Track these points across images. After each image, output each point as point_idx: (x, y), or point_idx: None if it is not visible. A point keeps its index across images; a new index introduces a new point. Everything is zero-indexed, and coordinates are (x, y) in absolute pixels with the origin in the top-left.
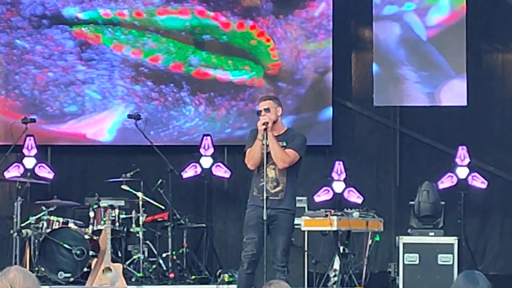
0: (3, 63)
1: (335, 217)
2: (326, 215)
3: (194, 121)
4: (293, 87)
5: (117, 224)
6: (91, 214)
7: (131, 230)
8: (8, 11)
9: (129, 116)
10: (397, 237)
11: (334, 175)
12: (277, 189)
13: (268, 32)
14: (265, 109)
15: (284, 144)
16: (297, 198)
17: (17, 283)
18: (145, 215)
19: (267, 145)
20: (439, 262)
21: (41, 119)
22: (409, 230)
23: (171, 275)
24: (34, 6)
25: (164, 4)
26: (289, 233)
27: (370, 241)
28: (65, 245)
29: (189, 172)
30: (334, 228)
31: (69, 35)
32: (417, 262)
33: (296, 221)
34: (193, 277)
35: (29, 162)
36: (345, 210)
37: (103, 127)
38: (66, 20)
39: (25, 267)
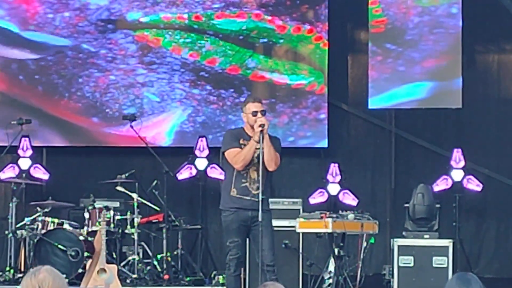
0: (68, 67)
1: (330, 219)
2: (321, 217)
3: None
4: None
5: (112, 225)
6: (86, 215)
7: (126, 231)
8: (76, 16)
9: (124, 117)
10: (392, 240)
11: (329, 177)
12: (259, 191)
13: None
14: (261, 111)
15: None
16: (293, 200)
17: (46, 284)
18: (140, 216)
19: (261, 148)
20: (434, 265)
21: (101, 121)
22: (404, 233)
23: (166, 277)
24: (100, 12)
25: (223, 8)
26: (272, 232)
27: (365, 244)
28: (60, 246)
29: (184, 173)
30: (329, 230)
31: (132, 39)
32: (411, 265)
33: (291, 223)
34: (187, 278)
35: (25, 163)
36: (340, 212)
37: (161, 130)
38: (130, 25)
39: (20, 268)
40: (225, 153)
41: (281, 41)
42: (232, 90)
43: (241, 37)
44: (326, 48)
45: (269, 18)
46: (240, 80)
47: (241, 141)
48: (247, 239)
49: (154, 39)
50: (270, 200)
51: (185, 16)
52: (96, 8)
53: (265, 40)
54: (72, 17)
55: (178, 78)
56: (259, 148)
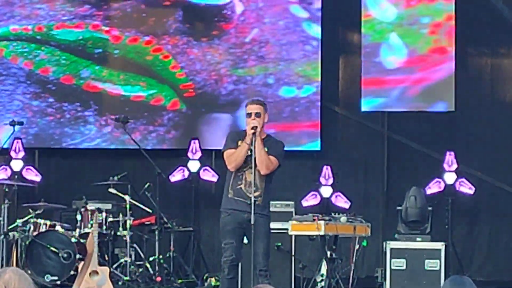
0: None
1: (322, 222)
2: (314, 220)
3: (94, 141)
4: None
5: (104, 227)
6: (78, 217)
7: (118, 233)
8: None
9: (117, 120)
10: (384, 242)
11: (322, 180)
12: (256, 193)
13: (169, 50)
14: (255, 114)
15: (266, 150)
16: (285, 202)
17: (12, 284)
18: (132, 218)
19: (250, 150)
20: (426, 268)
21: None
22: (396, 235)
23: (158, 279)
24: None
25: (70, 19)
26: (268, 237)
27: (357, 246)
28: (52, 248)
29: (177, 175)
30: (322, 233)
31: None
32: (404, 268)
33: (283, 225)
34: (180, 281)
35: (17, 165)
36: (333, 215)
37: None
38: None
39: None
40: (223, 154)
41: (117, 51)
42: (78, 103)
43: (79, 48)
44: (168, 60)
45: (107, 28)
46: (75, 90)
47: (239, 143)
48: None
49: (1, 50)
50: None
51: (30, 27)
52: None
53: (100, 50)
54: None
55: (22, 90)
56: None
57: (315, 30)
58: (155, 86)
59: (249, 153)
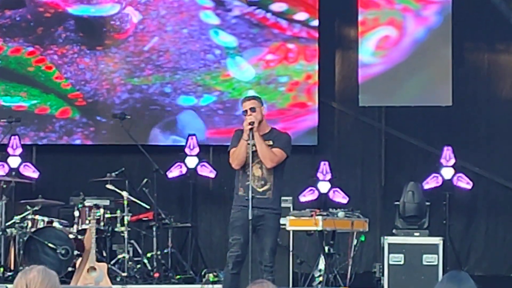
0: None
1: (320, 217)
2: (311, 215)
3: None
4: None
5: (102, 223)
6: (76, 213)
7: (116, 229)
8: None
9: (114, 116)
10: (382, 237)
11: (320, 175)
12: (265, 188)
13: (54, 60)
14: (250, 109)
15: (271, 143)
16: (282, 198)
17: (34, 283)
18: (130, 214)
19: (254, 145)
20: (424, 263)
21: None
22: (394, 231)
23: (156, 275)
24: None
25: None
26: (276, 234)
27: (355, 241)
28: (50, 245)
29: (174, 172)
30: (319, 228)
31: None
32: (402, 263)
33: (281, 221)
34: (178, 276)
35: (14, 161)
36: (331, 210)
37: None
38: None
39: (10, 266)
40: (229, 153)
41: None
42: None
43: None
44: (51, 71)
45: None
46: None
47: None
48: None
49: None
50: None
51: None
52: None
53: None
54: None
55: None
56: (251, 146)
57: (222, 38)
58: (38, 96)
59: (254, 148)
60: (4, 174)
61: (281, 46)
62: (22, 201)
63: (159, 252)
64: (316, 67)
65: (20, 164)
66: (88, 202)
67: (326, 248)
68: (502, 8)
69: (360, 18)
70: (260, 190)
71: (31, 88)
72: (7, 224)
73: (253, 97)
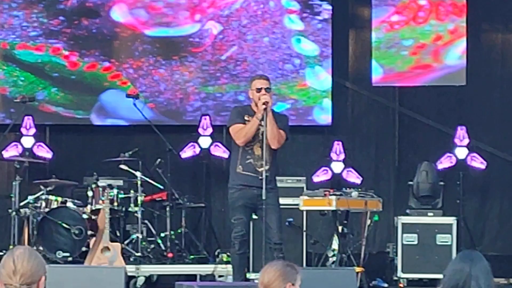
0: None
1: (334, 197)
2: (325, 195)
3: None
4: None
5: (115, 203)
6: (90, 193)
7: (130, 209)
8: None
9: (128, 96)
10: (395, 217)
11: (333, 155)
12: (266, 167)
13: (130, 74)
14: (266, 89)
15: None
16: (296, 178)
17: (20, 262)
18: (144, 194)
19: (265, 125)
20: (438, 243)
21: None
22: (407, 210)
23: (170, 255)
24: None
25: (35, 37)
26: (280, 210)
27: (368, 221)
28: (64, 225)
29: (188, 152)
30: (333, 208)
31: None
32: (415, 243)
33: (295, 201)
34: (191, 256)
35: (28, 142)
36: (344, 190)
37: None
38: None
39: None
40: (229, 129)
41: (73, 77)
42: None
43: (38, 69)
44: (126, 86)
45: (66, 53)
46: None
47: (246, 118)
48: (252, 217)
49: None
50: None
51: (6, 45)
52: None
53: (57, 74)
54: None
55: None
56: (262, 125)
57: (304, 46)
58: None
59: (259, 128)
60: (18, 154)
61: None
62: (36, 181)
63: (172, 232)
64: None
65: (33, 144)
66: (102, 182)
67: (340, 228)
68: None
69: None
70: (260, 169)
71: None
72: (21, 204)
73: (267, 77)
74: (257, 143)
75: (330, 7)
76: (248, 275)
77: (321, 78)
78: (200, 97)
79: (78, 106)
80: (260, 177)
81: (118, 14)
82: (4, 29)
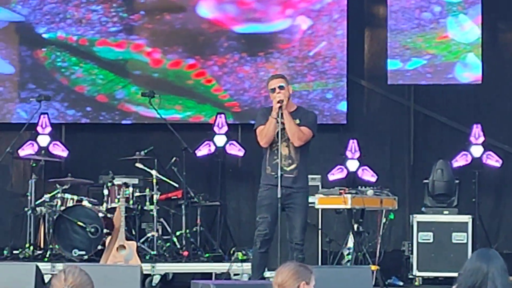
0: None
1: (349, 195)
2: (340, 193)
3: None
4: None
5: (131, 202)
6: (105, 192)
7: (145, 208)
8: None
9: (143, 94)
10: (411, 216)
11: (348, 153)
12: (292, 166)
13: (214, 72)
14: (279, 87)
15: (298, 121)
16: (311, 176)
17: (70, 275)
18: (159, 193)
19: (282, 123)
20: (453, 241)
21: None
22: (423, 209)
23: (185, 253)
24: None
25: (116, 33)
26: (306, 211)
27: (384, 219)
28: (79, 223)
29: (203, 150)
30: (348, 206)
31: (30, 54)
32: (431, 241)
33: (310, 199)
34: (207, 255)
35: (43, 140)
36: (359, 188)
37: None
38: (34, 39)
39: (40, 244)
40: (255, 131)
41: (156, 74)
42: (117, 112)
43: (118, 66)
44: (210, 84)
45: (149, 50)
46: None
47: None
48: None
49: (43, 58)
50: None
51: (75, 38)
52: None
53: (139, 72)
54: None
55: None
56: (280, 124)
57: None
58: (193, 108)
59: (282, 126)
60: (34, 152)
61: None
62: (52, 180)
63: (188, 231)
64: None
65: (49, 143)
66: (117, 181)
67: (355, 226)
68: None
69: None
70: (288, 169)
71: (186, 100)
72: (37, 202)
73: (281, 76)
74: (283, 142)
75: None
76: (263, 274)
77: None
78: None
79: (159, 106)
80: (286, 176)
81: (206, 9)
82: (82, 25)
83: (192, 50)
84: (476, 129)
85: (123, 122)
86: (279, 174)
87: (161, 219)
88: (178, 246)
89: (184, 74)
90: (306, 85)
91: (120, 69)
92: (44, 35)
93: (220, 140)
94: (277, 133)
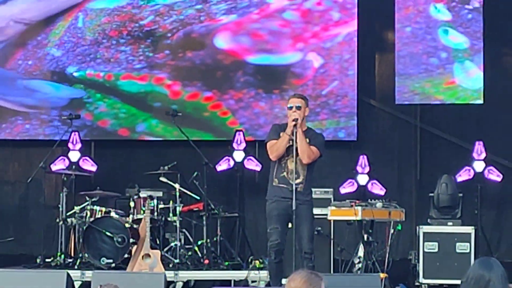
0: None
1: (359, 207)
2: (351, 206)
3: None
4: None
5: (155, 213)
6: (132, 204)
7: (169, 219)
8: (34, 65)
9: (167, 113)
10: (417, 227)
11: (359, 168)
12: (297, 181)
13: (230, 105)
14: (296, 107)
15: (307, 141)
16: (324, 189)
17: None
18: (182, 205)
19: (292, 140)
20: (457, 250)
21: None
22: (428, 220)
23: (206, 261)
24: (52, 63)
25: (141, 69)
26: (312, 221)
27: (392, 230)
28: (107, 233)
29: (223, 165)
30: (359, 218)
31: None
32: (436, 250)
33: (323, 211)
34: (226, 263)
35: (74, 156)
36: (369, 201)
37: None
38: (66, 78)
39: (70, 253)
40: (266, 144)
41: (175, 106)
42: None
43: (140, 100)
44: (226, 116)
45: (169, 82)
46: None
47: (281, 134)
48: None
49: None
50: None
51: (102, 74)
52: (50, 59)
53: (159, 104)
54: (32, 65)
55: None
56: (294, 141)
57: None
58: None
59: (290, 143)
60: (65, 167)
61: None
62: (82, 193)
63: (208, 240)
64: None
65: (79, 158)
66: (143, 194)
67: (365, 237)
68: None
69: (396, 23)
70: (293, 182)
71: (203, 133)
72: (67, 214)
73: (302, 96)
74: (290, 157)
75: None
76: (281, 281)
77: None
78: None
79: (177, 138)
80: (290, 189)
81: (222, 41)
82: (110, 63)
83: (210, 84)
84: (478, 146)
85: (148, 138)
86: (294, 188)
87: (184, 230)
88: (200, 255)
89: (201, 106)
90: (320, 123)
91: (141, 104)
92: (75, 74)
93: (238, 155)
94: (291, 149)
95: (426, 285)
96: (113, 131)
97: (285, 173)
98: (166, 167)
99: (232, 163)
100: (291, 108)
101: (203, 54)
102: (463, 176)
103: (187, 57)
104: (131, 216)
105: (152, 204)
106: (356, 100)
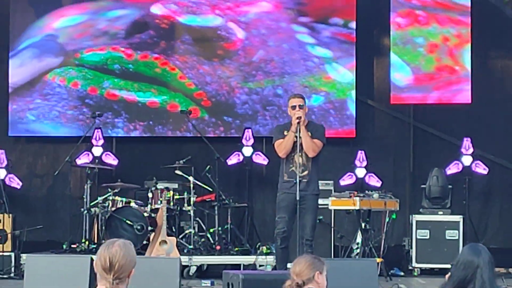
0: None
1: (357, 198)
2: (350, 196)
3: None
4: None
5: (171, 203)
6: (150, 195)
7: (184, 208)
8: None
9: (182, 112)
10: (410, 216)
11: (357, 162)
12: (304, 173)
13: (179, 65)
14: (299, 106)
15: (309, 134)
16: (325, 181)
17: (116, 258)
18: (196, 196)
19: (300, 137)
20: (447, 237)
21: None
22: (421, 210)
23: (218, 247)
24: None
25: (101, 44)
26: (316, 212)
27: (387, 219)
28: (128, 221)
29: (233, 159)
30: (357, 208)
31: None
32: (427, 237)
33: (324, 201)
34: (236, 249)
35: (97, 151)
36: (366, 192)
37: None
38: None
39: (94, 240)
40: (274, 145)
41: (130, 66)
42: (110, 112)
43: (102, 65)
44: (174, 71)
45: (122, 49)
46: (106, 102)
47: (285, 133)
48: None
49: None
50: None
51: (78, 54)
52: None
53: (118, 66)
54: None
55: (63, 104)
56: (299, 137)
57: (319, 50)
58: (166, 93)
59: (295, 139)
60: (89, 161)
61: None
62: (104, 185)
63: (220, 228)
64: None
65: (102, 153)
66: (160, 186)
67: (363, 225)
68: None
69: (392, 28)
70: (301, 175)
71: (159, 87)
72: (91, 204)
73: (301, 96)
74: (298, 153)
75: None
76: (287, 266)
77: (340, 72)
78: (245, 91)
79: (138, 89)
80: (303, 181)
81: (157, 9)
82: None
83: (157, 52)
84: (467, 142)
85: (165, 135)
86: (297, 180)
87: (197, 218)
88: (212, 241)
89: (151, 64)
90: (259, 83)
91: (103, 68)
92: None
93: (247, 151)
94: (298, 145)
95: (418, 269)
96: (84, 91)
97: (293, 168)
98: (181, 161)
99: (241, 157)
100: (294, 107)
101: (147, 29)
102: (452, 169)
103: (135, 37)
104: (149, 206)
105: (168, 195)
106: (355, 101)
